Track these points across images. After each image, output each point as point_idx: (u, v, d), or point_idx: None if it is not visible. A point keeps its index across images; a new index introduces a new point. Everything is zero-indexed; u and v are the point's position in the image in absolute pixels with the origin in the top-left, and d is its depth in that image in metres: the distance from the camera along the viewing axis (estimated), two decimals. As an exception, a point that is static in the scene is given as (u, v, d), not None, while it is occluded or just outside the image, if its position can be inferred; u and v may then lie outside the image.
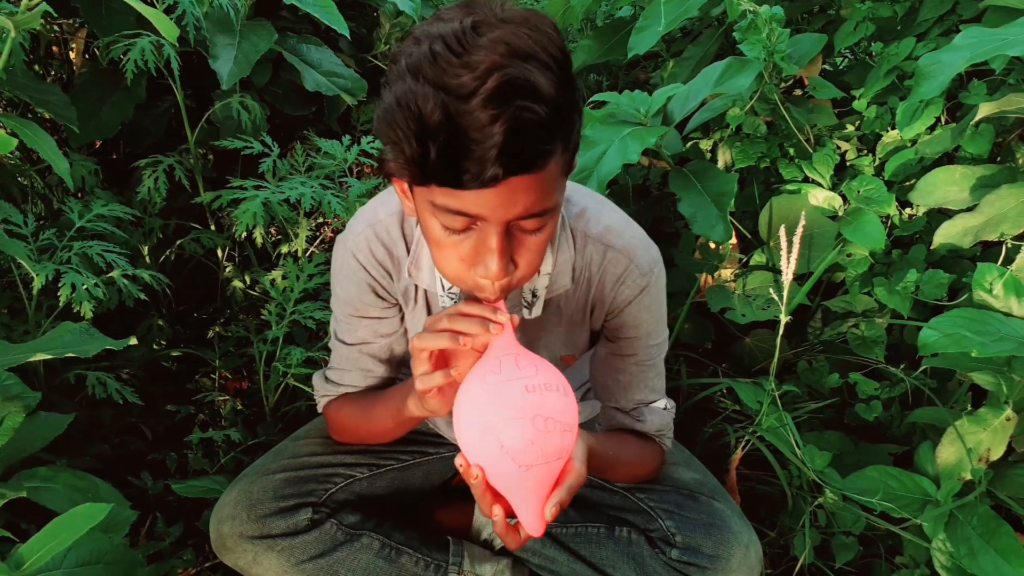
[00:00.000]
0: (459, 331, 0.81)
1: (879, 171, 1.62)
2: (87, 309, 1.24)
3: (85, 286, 1.25)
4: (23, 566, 0.77)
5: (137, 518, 1.27)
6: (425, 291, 1.06)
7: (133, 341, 0.95)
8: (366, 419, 1.12)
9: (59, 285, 1.25)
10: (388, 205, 1.04)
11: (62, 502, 0.93)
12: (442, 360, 0.86)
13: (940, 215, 1.52)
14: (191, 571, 1.28)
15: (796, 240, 1.12)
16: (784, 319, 1.23)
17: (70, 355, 0.86)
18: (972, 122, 1.34)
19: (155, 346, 1.59)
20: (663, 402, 1.16)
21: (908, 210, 1.60)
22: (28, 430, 1.04)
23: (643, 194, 1.89)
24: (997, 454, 1.22)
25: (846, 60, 2.13)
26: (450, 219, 0.76)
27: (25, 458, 1.05)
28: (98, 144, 1.96)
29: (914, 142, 1.57)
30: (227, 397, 1.53)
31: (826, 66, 1.93)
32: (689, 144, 1.81)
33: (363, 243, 1.03)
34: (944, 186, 1.43)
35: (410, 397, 0.95)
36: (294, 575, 1.09)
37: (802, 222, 1.14)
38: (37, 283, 1.22)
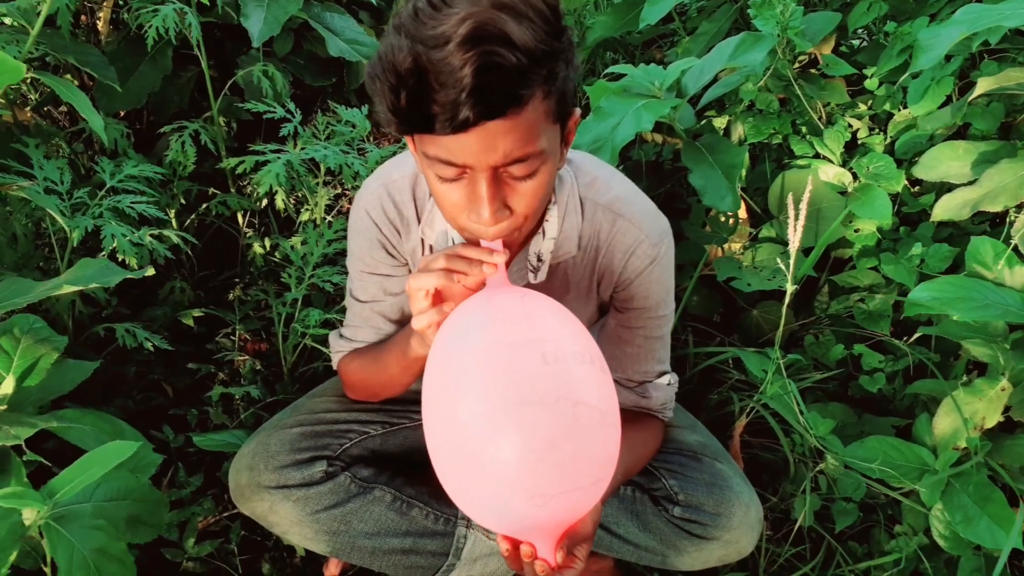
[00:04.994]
0: (453, 269, 0.84)
1: (890, 150, 1.64)
2: (131, 259, 1.28)
3: (128, 237, 1.29)
4: (55, 496, 0.82)
5: (159, 468, 1.33)
6: (431, 250, 1.09)
7: (150, 271, 0.99)
8: (375, 367, 1.14)
9: (100, 237, 1.30)
10: (403, 167, 1.07)
11: (90, 441, 0.98)
12: (439, 300, 0.88)
13: (950, 194, 1.54)
14: (210, 519, 1.33)
15: (803, 208, 1.14)
16: (791, 288, 1.25)
17: (93, 285, 0.90)
18: (970, 98, 1.36)
19: (177, 306, 1.64)
20: (667, 378, 1.19)
21: (917, 188, 1.62)
22: (55, 375, 1.08)
23: (656, 171, 1.91)
24: (992, 423, 1.24)
25: (864, 42, 2.14)
26: (440, 169, 0.79)
27: (52, 401, 1.10)
28: (121, 114, 2.00)
29: (926, 120, 1.58)
30: (246, 357, 1.57)
31: (843, 48, 1.95)
32: (703, 121, 1.83)
33: (376, 201, 1.07)
34: (947, 161, 1.45)
35: (413, 337, 0.98)
36: (309, 524, 1.14)
37: (808, 190, 1.16)
38: (75, 237, 1.27)
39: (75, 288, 0.98)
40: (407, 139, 0.87)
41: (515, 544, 0.80)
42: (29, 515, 0.85)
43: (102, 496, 0.90)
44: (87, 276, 1.02)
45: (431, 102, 0.71)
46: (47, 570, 0.96)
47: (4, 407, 0.98)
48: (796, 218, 1.13)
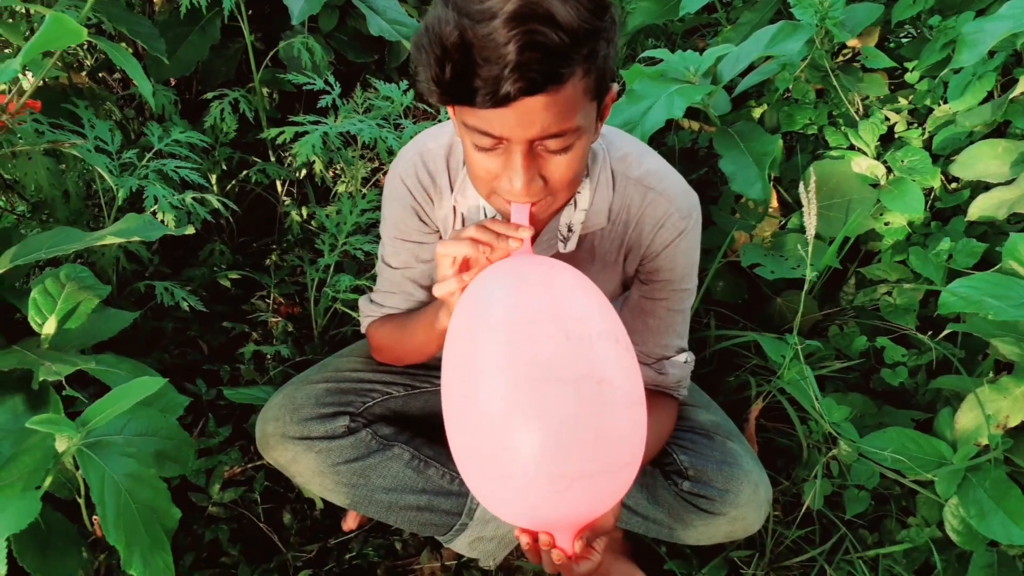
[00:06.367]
0: (480, 240, 0.86)
1: (928, 145, 1.63)
2: (170, 220, 1.34)
3: (168, 199, 1.35)
4: (88, 425, 0.86)
5: (190, 420, 1.39)
6: (463, 218, 1.12)
7: (190, 230, 1.04)
8: (403, 334, 1.18)
9: (143, 197, 1.36)
10: (439, 137, 1.10)
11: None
12: (465, 269, 0.89)
13: (986, 191, 1.52)
14: (236, 469, 1.39)
15: (812, 195, 1.14)
16: (810, 275, 1.25)
17: (136, 239, 0.95)
18: (1012, 96, 1.35)
19: (215, 268, 1.70)
20: (685, 355, 1.21)
21: (953, 184, 1.61)
22: (97, 322, 1.14)
23: (690, 157, 1.92)
24: (1015, 421, 1.24)
25: (907, 38, 2.11)
26: (478, 138, 0.82)
27: (93, 348, 1.16)
28: (172, 83, 2.07)
29: (965, 116, 1.57)
30: (279, 319, 1.63)
31: (891, 44, 1.94)
32: (743, 110, 1.83)
33: (411, 169, 1.10)
34: (986, 159, 1.44)
35: (442, 308, 1.01)
36: (329, 475, 1.18)
37: (813, 179, 1.16)
38: (121, 195, 1.33)
39: (119, 240, 1.03)
40: (449, 110, 0.89)
41: (534, 536, 0.81)
42: (62, 443, 0.90)
43: (132, 431, 0.95)
44: (130, 230, 1.08)
45: (474, 76, 0.74)
46: (81, 501, 1.02)
47: (47, 347, 1.04)
48: (809, 204, 1.14)
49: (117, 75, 2.09)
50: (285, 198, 1.87)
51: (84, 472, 0.83)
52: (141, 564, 0.80)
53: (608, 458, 0.71)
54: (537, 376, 0.70)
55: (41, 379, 0.92)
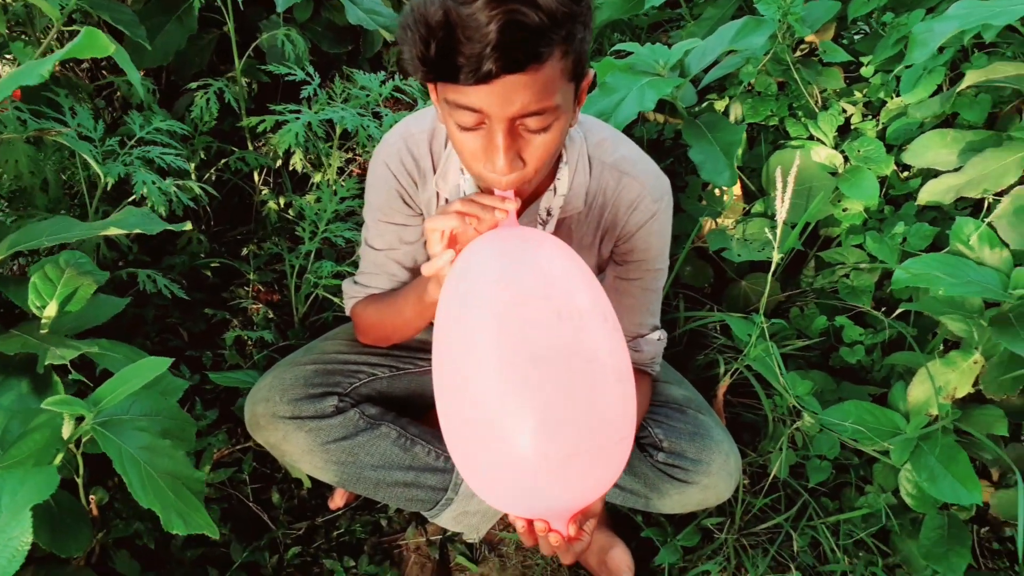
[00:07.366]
0: (467, 213, 0.89)
1: (882, 135, 1.72)
2: (161, 207, 1.36)
3: (157, 184, 1.37)
4: (99, 404, 0.90)
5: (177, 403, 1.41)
6: (446, 202, 1.16)
7: (188, 227, 1.07)
8: (389, 311, 1.21)
9: (132, 183, 1.38)
10: (421, 122, 1.14)
11: (122, 367, 1.05)
12: (453, 244, 0.92)
13: (935, 178, 1.61)
14: (224, 451, 1.42)
15: (790, 181, 1.22)
16: (776, 257, 1.33)
17: (138, 231, 0.97)
18: (959, 89, 1.44)
19: (194, 256, 1.72)
20: (658, 333, 1.27)
21: (905, 173, 1.70)
22: (90, 308, 1.16)
23: (657, 148, 1.99)
24: (962, 392, 1.33)
25: (859, 34, 2.21)
26: (460, 115, 0.86)
27: (83, 333, 1.18)
28: (142, 73, 2.07)
29: (916, 108, 1.66)
30: (260, 305, 1.65)
31: (844, 39, 2.03)
32: (705, 104, 1.91)
33: (395, 153, 1.14)
34: (936, 148, 1.52)
35: (430, 281, 1.04)
36: (319, 453, 1.22)
37: (796, 164, 1.23)
38: (108, 182, 1.34)
39: (121, 231, 1.06)
40: (430, 88, 0.93)
41: (529, 521, 0.85)
42: (67, 429, 0.93)
43: (138, 411, 0.97)
44: (131, 222, 1.10)
45: (457, 54, 0.78)
46: (79, 480, 1.05)
47: (46, 331, 1.06)
48: (784, 190, 1.21)
49: (85, 65, 2.07)
50: (262, 187, 1.89)
51: (103, 447, 0.86)
52: (182, 523, 0.85)
53: (601, 435, 0.75)
54: (529, 356, 0.74)
55: (47, 363, 0.95)
